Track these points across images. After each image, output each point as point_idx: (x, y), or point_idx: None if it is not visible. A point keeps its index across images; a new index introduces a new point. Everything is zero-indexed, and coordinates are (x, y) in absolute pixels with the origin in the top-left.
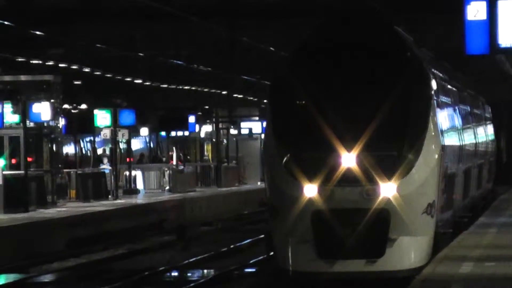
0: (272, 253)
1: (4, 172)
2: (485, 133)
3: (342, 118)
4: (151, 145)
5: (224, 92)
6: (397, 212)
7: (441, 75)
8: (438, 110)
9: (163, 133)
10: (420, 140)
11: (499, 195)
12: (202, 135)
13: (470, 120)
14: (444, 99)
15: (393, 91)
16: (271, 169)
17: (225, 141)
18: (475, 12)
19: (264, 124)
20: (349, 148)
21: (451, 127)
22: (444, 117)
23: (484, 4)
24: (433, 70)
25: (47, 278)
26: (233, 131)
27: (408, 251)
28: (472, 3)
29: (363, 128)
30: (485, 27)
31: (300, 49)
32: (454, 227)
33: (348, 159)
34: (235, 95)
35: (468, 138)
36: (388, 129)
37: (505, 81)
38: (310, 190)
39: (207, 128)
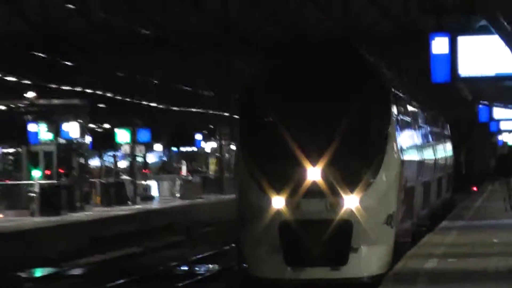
0: (241, 262)
1: (40, 182)
2: (444, 149)
3: (308, 134)
4: (165, 159)
5: (226, 114)
6: (359, 222)
7: (402, 95)
8: (398, 128)
9: (174, 149)
10: (381, 155)
11: (458, 203)
12: (208, 150)
13: (429, 137)
14: (404, 117)
15: (355, 109)
16: (241, 181)
17: (227, 155)
18: (439, 46)
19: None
20: (314, 163)
21: (411, 144)
22: (404, 135)
23: (446, 39)
24: (394, 91)
25: (76, 271)
26: (234, 147)
27: (370, 259)
28: (436, 38)
29: (328, 144)
30: (447, 60)
31: (267, 68)
32: (414, 235)
33: (314, 173)
34: (235, 116)
35: (427, 154)
36: (351, 145)
37: (463, 105)
38: (278, 202)
39: (212, 144)
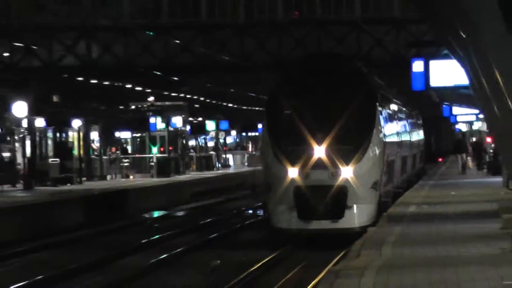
0: (267, 216)
1: (157, 155)
2: (418, 134)
3: (315, 123)
4: (237, 140)
5: None
6: (353, 187)
7: (387, 95)
8: (382, 118)
9: (244, 134)
10: (369, 138)
11: (429, 170)
12: None
13: (407, 126)
14: (387, 111)
15: (350, 104)
16: (266, 157)
17: None
18: (417, 67)
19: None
20: (320, 143)
21: (392, 130)
22: (387, 123)
23: (422, 62)
24: (381, 91)
25: (180, 213)
26: None
27: (360, 214)
28: (416, 61)
29: (330, 130)
30: (422, 75)
31: (286, 73)
32: (394, 195)
33: (319, 151)
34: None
35: (405, 137)
36: (347, 131)
37: (433, 105)
38: (293, 172)
39: None
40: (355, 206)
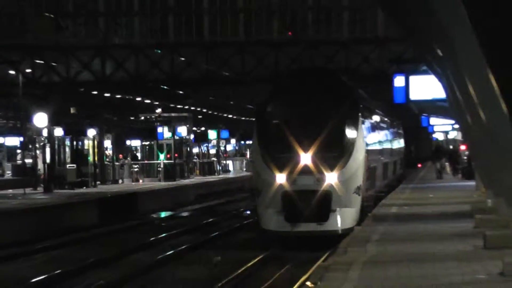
0: (257, 218)
1: (164, 161)
2: (398, 142)
3: (302, 132)
4: (237, 148)
5: None
6: (337, 192)
7: (369, 106)
8: (364, 128)
9: (242, 142)
10: (352, 146)
11: (409, 174)
12: None
13: (388, 135)
14: (370, 121)
15: (335, 115)
16: (256, 164)
17: None
18: (398, 82)
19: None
20: (306, 151)
21: (374, 138)
22: (369, 132)
23: (403, 77)
24: (364, 103)
25: (185, 213)
26: None
27: (344, 217)
28: (397, 77)
29: (316, 138)
30: (403, 89)
31: (275, 86)
32: (375, 199)
33: (306, 158)
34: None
35: (386, 145)
36: (332, 139)
37: (413, 116)
38: (281, 178)
39: None
40: (339, 209)
